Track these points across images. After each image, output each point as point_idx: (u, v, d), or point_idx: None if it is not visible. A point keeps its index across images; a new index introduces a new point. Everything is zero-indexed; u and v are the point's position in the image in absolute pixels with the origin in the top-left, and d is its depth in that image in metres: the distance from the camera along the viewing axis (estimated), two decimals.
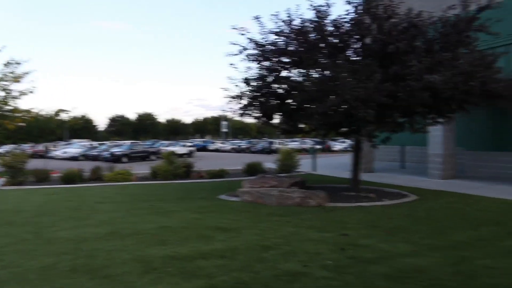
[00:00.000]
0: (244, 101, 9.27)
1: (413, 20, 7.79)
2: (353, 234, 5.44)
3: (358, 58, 8.51)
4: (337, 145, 40.52)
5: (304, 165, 16.33)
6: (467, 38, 7.75)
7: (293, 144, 37.45)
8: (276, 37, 8.80)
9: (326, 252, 4.60)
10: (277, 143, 39.15)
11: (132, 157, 27.06)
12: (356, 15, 8.20)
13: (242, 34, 8.89)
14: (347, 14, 8.38)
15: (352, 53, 8.71)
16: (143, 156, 28.12)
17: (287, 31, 8.60)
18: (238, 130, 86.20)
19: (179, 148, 32.83)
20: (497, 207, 7.54)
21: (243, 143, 45.86)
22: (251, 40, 8.87)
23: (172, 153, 15.42)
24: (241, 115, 9.53)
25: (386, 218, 6.59)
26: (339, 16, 8.34)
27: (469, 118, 14.14)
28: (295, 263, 4.18)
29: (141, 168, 15.85)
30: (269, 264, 4.17)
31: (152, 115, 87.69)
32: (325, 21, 8.30)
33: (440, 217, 6.64)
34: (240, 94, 9.17)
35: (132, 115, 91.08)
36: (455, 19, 7.77)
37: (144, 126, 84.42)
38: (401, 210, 7.32)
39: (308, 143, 39.18)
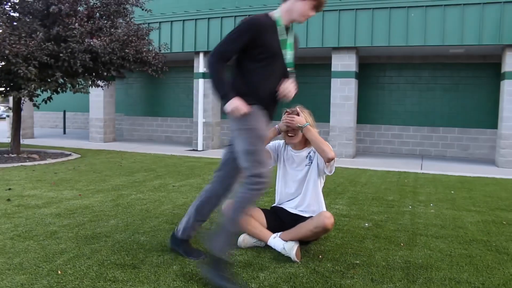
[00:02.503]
0: None
1: None
2: (18, 188, 5.52)
3: (17, 14, 8.17)
4: None
5: None
6: (125, 10, 8.67)
7: None
8: None
9: None
10: None
11: None
12: None
13: None
14: None
15: (9, 8, 8.27)
16: None
17: None
18: None
19: None
20: (148, 160, 8.92)
21: None
22: None
23: None
24: None
25: (51, 173, 6.86)
26: None
27: (128, 86, 15.53)
28: None
29: None
30: None
31: None
32: None
33: (101, 169, 7.40)
34: None
35: None
36: None
37: None
38: (65, 166, 7.71)
39: None
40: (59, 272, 2.78)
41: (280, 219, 3.53)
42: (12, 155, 8.65)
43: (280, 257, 3.13)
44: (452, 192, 6.09)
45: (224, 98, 2.70)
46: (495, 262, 3.18)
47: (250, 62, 2.76)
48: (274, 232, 3.38)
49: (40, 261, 2.96)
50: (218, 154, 10.68)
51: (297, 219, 3.44)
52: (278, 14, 2.80)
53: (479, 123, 11.50)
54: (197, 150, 11.79)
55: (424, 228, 4.08)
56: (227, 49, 2.69)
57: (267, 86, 2.81)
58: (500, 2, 9.21)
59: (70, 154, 9.35)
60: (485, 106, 11.40)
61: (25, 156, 8.63)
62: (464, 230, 4.04)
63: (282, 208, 3.61)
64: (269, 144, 3.60)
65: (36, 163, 7.95)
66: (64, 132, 17.21)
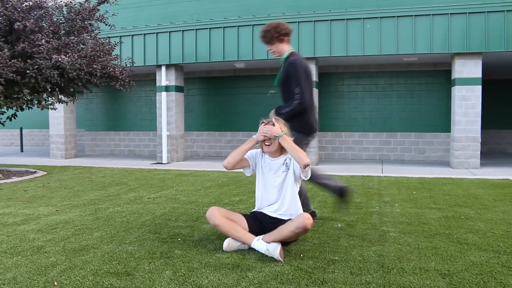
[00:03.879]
0: None
1: (38, 0, 8.06)
2: None
3: None
4: None
5: None
6: (90, 26, 8.70)
7: None
8: None
9: None
10: None
11: None
12: None
13: None
14: None
15: None
16: None
17: None
18: None
19: None
20: (117, 174, 8.92)
21: None
22: None
23: None
24: None
25: (21, 191, 6.79)
26: None
27: (88, 101, 15.36)
28: None
29: None
30: None
31: None
32: None
33: (71, 185, 7.38)
34: None
35: None
36: (79, 7, 8.56)
37: None
38: (34, 183, 7.62)
39: None
40: (55, 283, 2.88)
41: (261, 223, 3.74)
42: None
43: (265, 258, 3.34)
44: (414, 192, 6.50)
45: None
46: (457, 251, 3.52)
47: None
48: (255, 235, 3.59)
49: (34, 275, 3.04)
50: (184, 166, 10.77)
51: (277, 222, 3.67)
52: None
53: (433, 127, 12.17)
54: (162, 163, 11.81)
55: (392, 225, 4.41)
56: None
57: None
58: (447, 14, 9.87)
59: (35, 172, 9.21)
60: (438, 111, 12.08)
61: None
62: (428, 226, 4.39)
63: (262, 212, 3.83)
64: (247, 154, 3.83)
65: (1, 182, 7.81)
66: (22, 150, 16.79)
